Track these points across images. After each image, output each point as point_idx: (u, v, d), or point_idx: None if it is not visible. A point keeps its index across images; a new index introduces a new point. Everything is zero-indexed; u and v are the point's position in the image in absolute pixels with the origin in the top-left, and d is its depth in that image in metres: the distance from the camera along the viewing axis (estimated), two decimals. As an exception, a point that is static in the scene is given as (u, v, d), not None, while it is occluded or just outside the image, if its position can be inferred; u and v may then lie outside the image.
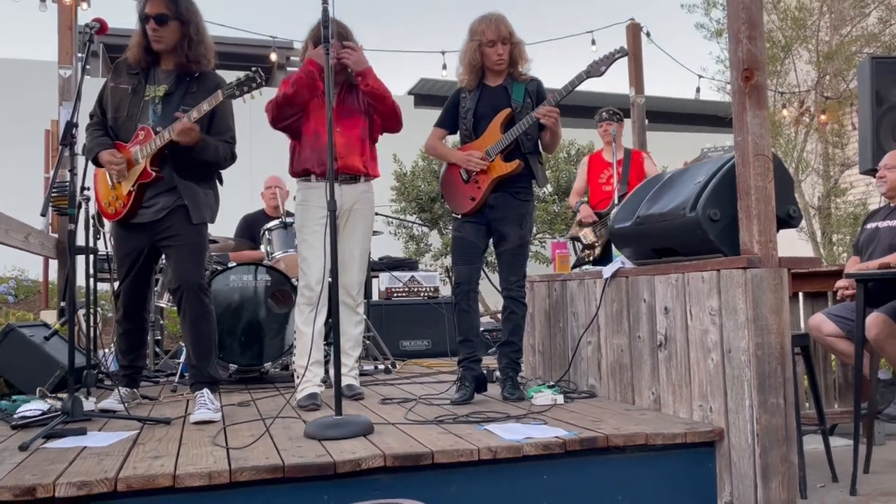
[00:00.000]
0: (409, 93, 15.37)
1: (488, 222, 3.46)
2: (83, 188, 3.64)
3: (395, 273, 6.47)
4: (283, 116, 3.48)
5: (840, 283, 3.82)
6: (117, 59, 3.30)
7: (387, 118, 3.56)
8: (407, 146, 8.64)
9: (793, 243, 8.53)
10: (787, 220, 2.71)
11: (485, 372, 3.54)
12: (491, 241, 3.55)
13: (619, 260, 3.37)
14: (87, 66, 3.14)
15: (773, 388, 2.44)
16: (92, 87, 3.32)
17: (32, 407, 3.02)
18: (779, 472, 2.42)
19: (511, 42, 3.40)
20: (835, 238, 8.52)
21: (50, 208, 3.42)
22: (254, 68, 3.10)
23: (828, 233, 8.60)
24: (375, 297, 6.51)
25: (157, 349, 5.12)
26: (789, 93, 8.72)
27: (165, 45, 3.17)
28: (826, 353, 4.07)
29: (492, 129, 3.41)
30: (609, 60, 3.27)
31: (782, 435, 2.44)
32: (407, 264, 7.02)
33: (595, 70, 3.30)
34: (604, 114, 5.40)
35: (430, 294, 6.45)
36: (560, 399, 3.20)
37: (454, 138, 3.76)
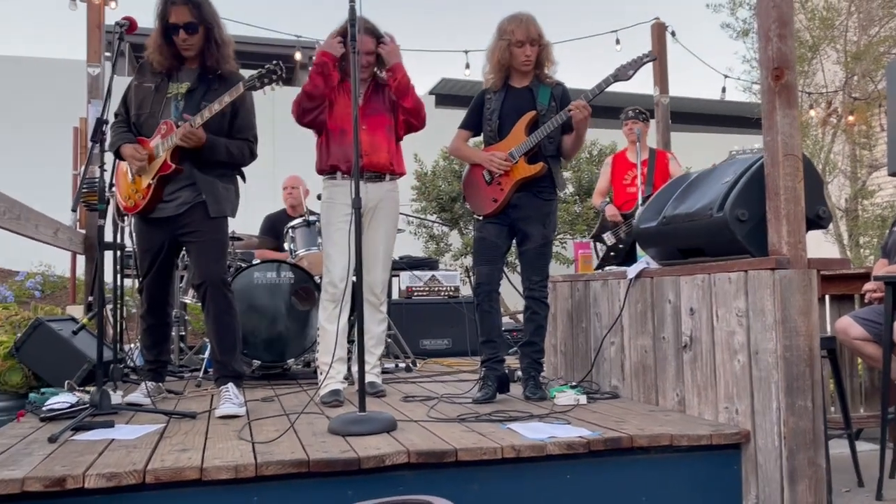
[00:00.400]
0: (431, 92, 15.39)
1: (511, 222, 3.45)
2: (111, 184, 3.70)
3: (416, 272, 6.48)
4: (305, 111, 3.52)
5: (868, 285, 3.77)
6: (142, 60, 3.34)
7: (411, 115, 3.57)
8: (428, 146, 8.65)
9: (819, 245, 8.43)
10: (817, 220, 2.68)
11: (507, 372, 3.54)
12: (513, 241, 3.55)
13: (644, 260, 3.35)
14: (117, 62, 3.18)
15: (802, 390, 2.42)
16: (118, 86, 3.36)
17: (61, 400, 3.06)
18: (806, 475, 2.40)
19: (539, 44, 3.39)
20: (862, 240, 8.41)
21: (80, 204, 3.47)
22: (275, 61, 3.12)
23: (855, 235, 8.49)
24: (396, 295, 6.53)
25: (182, 345, 5.17)
26: (817, 93, 8.62)
27: (195, 51, 3.22)
28: (853, 356, 4.01)
29: (516, 131, 3.41)
30: (637, 65, 3.24)
31: (810, 438, 2.41)
32: (427, 263, 7.02)
33: (622, 74, 3.27)
34: (630, 112, 5.35)
35: (451, 293, 6.45)
36: (583, 399, 3.19)
37: (477, 139, 3.76)
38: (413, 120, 3.60)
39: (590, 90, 3.30)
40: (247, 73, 3.21)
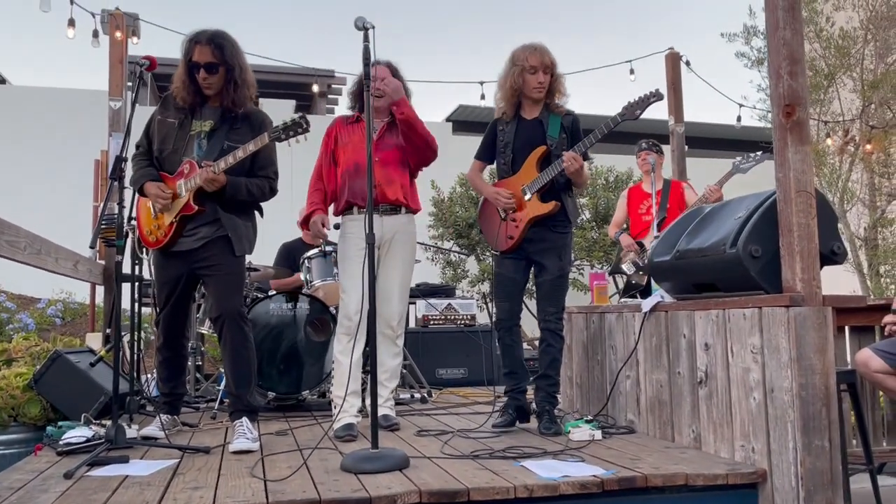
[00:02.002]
0: (448, 119, 15.50)
1: (527, 256, 3.49)
2: (129, 218, 3.75)
3: (432, 301, 6.47)
4: None
5: (888, 318, 3.71)
6: (166, 93, 3.40)
7: (419, 148, 3.56)
8: (445, 172, 8.69)
9: (838, 276, 8.32)
10: (831, 256, 2.66)
11: (528, 402, 3.56)
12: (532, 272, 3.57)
13: (659, 294, 3.33)
14: (137, 99, 3.25)
15: (818, 430, 2.39)
16: (140, 116, 3.42)
17: (77, 433, 3.08)
18: (824, 517, 2.35)
19: (552, 72, 3.45)
20: (882, 269, 8.29)
21: (98, 239, 3.52)
22: (300, 114, 3.16)
23: (874, 264, 8.37)
24: (412, 324, 6.52)
25: (198, 375, 5.20)
26: (833, 122, 8.57)
27: (215, 90, 3.28)
28: (874, 389, 3.95)
29: (528, 166, 3.46)
30: (644, 104, 3.28)
31: (827, 479, 2.38)
32: (444, 291, 7.01)
33: (630, 113, 3.32)
34: (643, 143, 5.38)
35: (467, 322, 6.44)
36: (598, 435, 3.16)
37: (492, 166, 3.81)
38: (424, 153, 3.59)
39: (597, 130, 3.34)
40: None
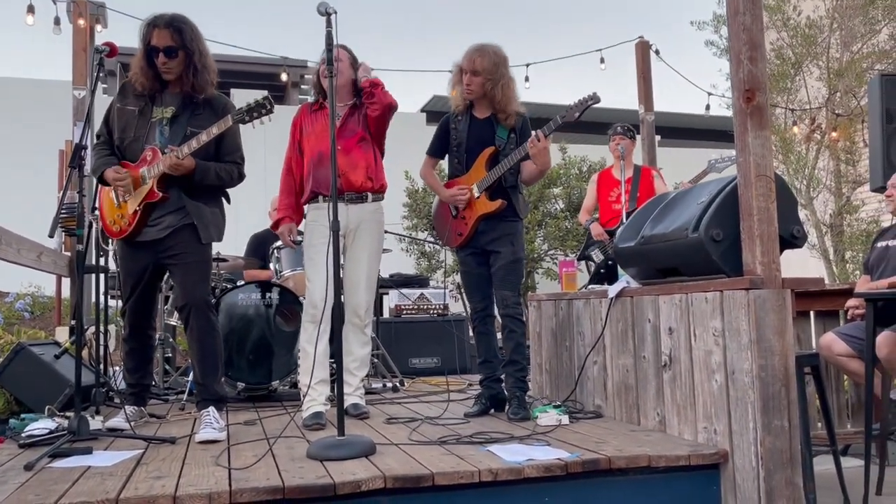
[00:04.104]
0: (422, 110, 15.47)
1: (483, 248, 3.56)
2: (93, 208, 3.69)
3: (405, 290, 6.48)
4: None
5: (850, 302, 3.79)
6: (124, 81, 3.34)
7: (386, 111, 3.58)
8: (419, 163, 8.66)
9: (805, 262, 8.44)
10: (791, 240, 2.69)
11: (503, 390, 3.58)
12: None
13: (625, 279, 3.36)
14: (105, 86, 3.22)
15: (777, 410, 2.42)
16: (105, 105, 3.37)
17: (40, 425, 3.04)
18: (783, 495, 2.40)
19: (484, 76, 3.42)
20: (847, 255, 8.43)
21: (59, 229, 3.48)
22: (264, 95, 3.13)
23: (840, 250, 8.51)
24: (385, 314, 6.52)
25: (168, 367, 5.15)
26: (800, 110, 8.68)
27: (174, 75, 3.22)
28: (839, 372, 4.02)
29: (477, 166, 3.54)
30: (582, 107, 3.34)
31: (787, 458, 2.42)
32: (417, 281, 7.02)
33: (570, 116, 3.38)
34: (618, 128, 5.40)
35: (440, 311, 6.45)
36: (565, 419, 3.19)
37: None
38: (388, 114, 3.60)
39: (539, 131, 3.38)
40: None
